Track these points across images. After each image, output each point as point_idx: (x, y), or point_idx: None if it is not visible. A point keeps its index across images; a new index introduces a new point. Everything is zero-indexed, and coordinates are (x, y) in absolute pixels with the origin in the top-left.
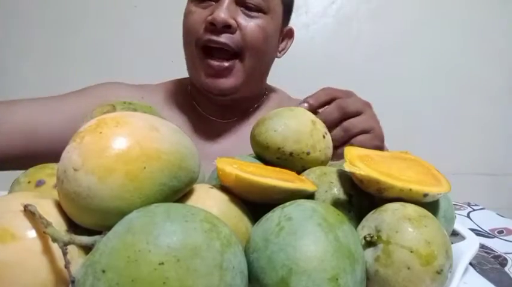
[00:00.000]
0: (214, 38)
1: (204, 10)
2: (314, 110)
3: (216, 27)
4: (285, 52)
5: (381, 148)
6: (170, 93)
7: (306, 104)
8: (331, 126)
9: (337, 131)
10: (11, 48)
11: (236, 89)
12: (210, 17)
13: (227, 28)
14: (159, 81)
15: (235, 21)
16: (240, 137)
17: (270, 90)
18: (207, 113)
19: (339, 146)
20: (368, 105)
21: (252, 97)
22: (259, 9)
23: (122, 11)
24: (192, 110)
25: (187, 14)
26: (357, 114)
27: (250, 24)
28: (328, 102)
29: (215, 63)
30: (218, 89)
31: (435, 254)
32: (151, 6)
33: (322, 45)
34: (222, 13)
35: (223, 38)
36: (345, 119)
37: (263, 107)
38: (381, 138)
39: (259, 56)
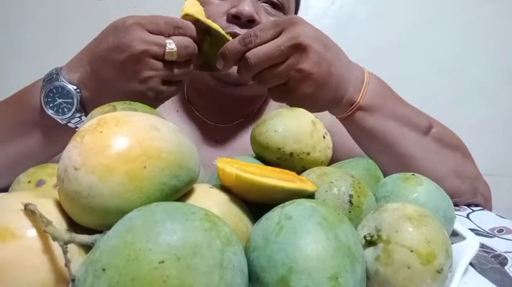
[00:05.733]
0: (239, 31)
1: (223, 2)
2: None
3: (240, 21)
4: None
5: (317, 97)
6: None
7: (221, 64)
8: (235, 61)
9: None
10: (11, 48)
11: (243, 84)
12: (234, 10)
13: (250, 23)
14: None
15: (258, 16)
16: (241, 142)
17: None
18: (206, 118)
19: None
20: (290, 22)
21: (255, 98)
22: (279, 8)
23: (122, 11)
24: (190, 115)
25: (203, 5)
26: (266, 40)
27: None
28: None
29: None
30: (231, 76)
31: (435, 254)
32: (150, 7)
33: None
34: (247, 6)
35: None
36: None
37: (266, 107)
38: (303, 94)
39: None
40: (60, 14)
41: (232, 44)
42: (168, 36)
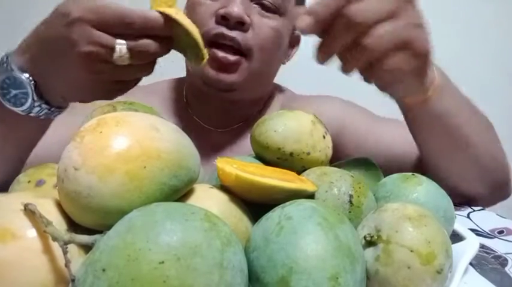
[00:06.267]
0: (226, 32)
1: (214, 2)
2: (319, 29)
3: (229, 22)
4: (290, 59)
5: (422, 69)
6: (162, 98)
7: (308, 20)
8: (343, 49)
9: (353, 53)
10: (11, 48)
11: (237, 87)
12: (222, 10)
13: (240, 25)
14: (150, 83)
15: (249, 18)
16: (241, 147)
17: (275, 89)
18: (204, 123)
19: (365, 74)
20: (406, 0)
21: (255, 101)
22: (275, 10)
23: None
24: (188, 120)
25: (193, 5)
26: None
27: (264, 24)
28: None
29: (221, 54)
30: (220, 83)
31: (435, 254)
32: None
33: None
34: (236, 7)
35: (235, 34)
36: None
37: (267, 110)
38: (423, 53)
39: (267, 60)
40: None
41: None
42: (122, 35)
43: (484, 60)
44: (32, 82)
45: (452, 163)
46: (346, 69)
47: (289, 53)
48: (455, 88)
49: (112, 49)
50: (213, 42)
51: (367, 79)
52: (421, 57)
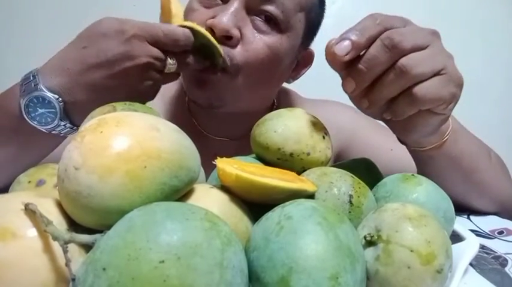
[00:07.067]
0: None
1: (208, 10)
2: (360, 49)
3: (215, 35)
4: (298, 78)
5: (456, 96)
6: (166, 102)
7: (347, 42)
8: (382, 70)
9: (391, 76)
10: (12, 48)
11: (219, 106)
12: (210, 21)
13: (227, 39)
14: None
15: (240, 32)
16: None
17: (280, 93)
18: (207, 131)
19: (397, 97)
20: (435, 34)
21: (253, 113)
22: (274, 25)
23: (121, 10)
24: (190, 126)
25: (187, 11)
26: (417, 49)
27: (257, 40)
28: (378, 36)
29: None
30: (197, 99)
31: (435, 254)
32: (150, 5)
33: (323, 45)
34: (225, 18)
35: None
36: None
37: None
38: (457, 81)
39: (256, 79)
40: (60, 14)
41: (365, 22)
42: (168, 50)
43: (484, 61)
44: (61, 103)
45: (466, 202)
46: (375, 99)
47: (298, 73)
48: (468, 132)
49: (163, 61)
50: None
51: (393, 112)
52: (457, 85)
